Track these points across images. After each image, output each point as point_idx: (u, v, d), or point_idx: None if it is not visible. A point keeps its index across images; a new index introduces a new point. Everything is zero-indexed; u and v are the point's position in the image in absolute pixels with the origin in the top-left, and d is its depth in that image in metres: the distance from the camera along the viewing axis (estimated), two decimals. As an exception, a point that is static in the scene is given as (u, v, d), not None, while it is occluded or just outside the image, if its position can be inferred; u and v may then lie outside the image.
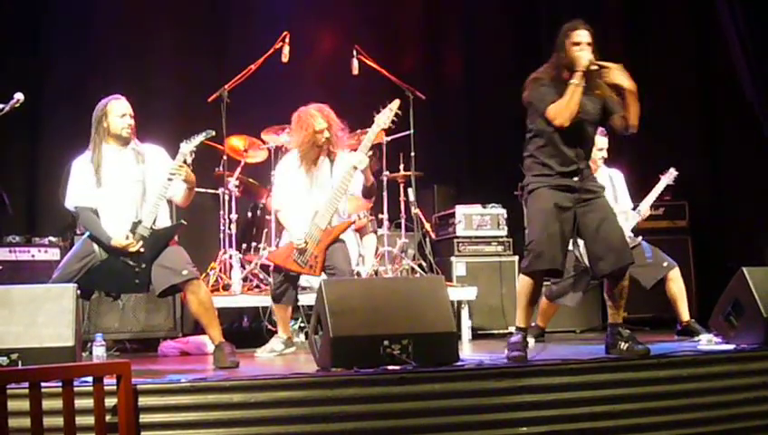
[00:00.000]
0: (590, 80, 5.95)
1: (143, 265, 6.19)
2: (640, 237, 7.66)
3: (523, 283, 6.05)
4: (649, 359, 5.77)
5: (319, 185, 7.16)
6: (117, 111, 6.33)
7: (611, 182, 7.61)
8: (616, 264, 5.93)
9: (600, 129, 7.00)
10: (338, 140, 7.25)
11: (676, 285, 7.48)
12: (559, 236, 5.91)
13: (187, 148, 6.31)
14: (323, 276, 7.22)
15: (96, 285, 6.35)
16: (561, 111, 5.89)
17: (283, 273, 7.10)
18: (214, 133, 6.57)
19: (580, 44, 5.98)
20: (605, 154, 7.67)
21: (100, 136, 6.33)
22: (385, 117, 7.16)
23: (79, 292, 5.80)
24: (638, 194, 7.94)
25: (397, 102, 7.20)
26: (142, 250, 6.17)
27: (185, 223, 6.40)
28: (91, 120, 6.39)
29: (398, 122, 8.64)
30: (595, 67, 5.90)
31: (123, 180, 6.30)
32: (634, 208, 7.83)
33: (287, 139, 8.31)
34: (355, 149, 7.18)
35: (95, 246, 6.22)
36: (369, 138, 7.10)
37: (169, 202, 6.50)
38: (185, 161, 6.29)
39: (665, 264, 7.42)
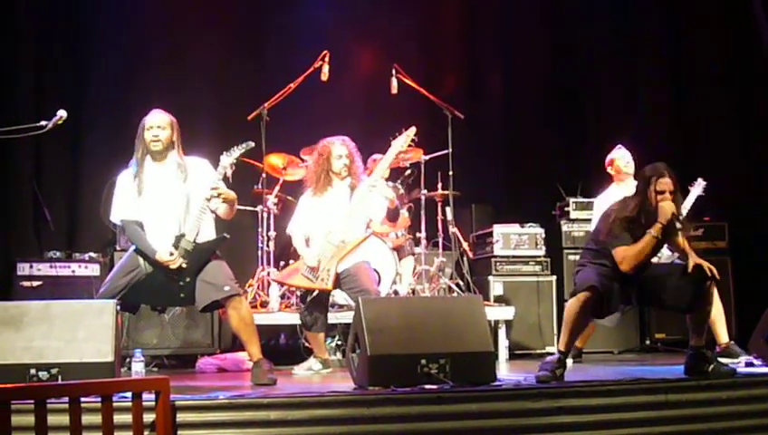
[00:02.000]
0: (668, 229, 5.98)
1: (187, 279, 6.23)
2: (676, 255, 7.57)
3: (569, 305, 6.05)
4: (688, 381, 5.74)
5: (333, 210, 7.21)
6: (147, 123, 6.37)
7: None
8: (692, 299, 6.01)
9: (619, 145, 7.17)
10: (356, 171, 7.32)
11: (715, 308, 7.39)
12: (605, 276, 5.98)
13: (228, 160, 6.35)
14: (342, 294, 7.29)
15: (142, 298, 6.42)
16: (630, 259, 5.93)
17: (309, 299, 7.13)
18: (253, 145, 6.62)
19: (665, 193, 5.95)
20: (631, 170, 7.80)
21: (141, 152, 6.38)
22: (402, 142, 7.23)
23: (119, 307, 5.87)
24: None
25: (413, 129, 7.25)
26: (184, 266, 6.22)
27: (228, 236, 6.41)
28: (130, 136, 6.46)
29: (437, 141, 8.68)
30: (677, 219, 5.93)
31: (166, 194, 6.33)
32: None
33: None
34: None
35: (140, 260, 6.27)
36: (385, 161, 7.22)
37: (214, 212, 6.51)
38: (225, 174, 6.34)
39: None
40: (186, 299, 6.34)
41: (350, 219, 7.07)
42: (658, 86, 10.34)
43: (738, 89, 10.08)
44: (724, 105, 10.07)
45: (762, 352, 6.50)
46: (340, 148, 7.26)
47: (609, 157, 8.06)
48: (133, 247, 6.36)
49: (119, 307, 5.92)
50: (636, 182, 7.40)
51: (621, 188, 7.60)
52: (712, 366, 5.88)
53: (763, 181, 9.73)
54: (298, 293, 7.96)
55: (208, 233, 6.40)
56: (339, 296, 7.54)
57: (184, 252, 6.21)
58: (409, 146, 7.39)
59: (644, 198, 5.99)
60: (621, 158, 7.94)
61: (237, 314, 6.23)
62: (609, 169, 8.05)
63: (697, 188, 7.95)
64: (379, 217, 7.32)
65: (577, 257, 8.61)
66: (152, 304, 6.61)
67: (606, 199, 7.51)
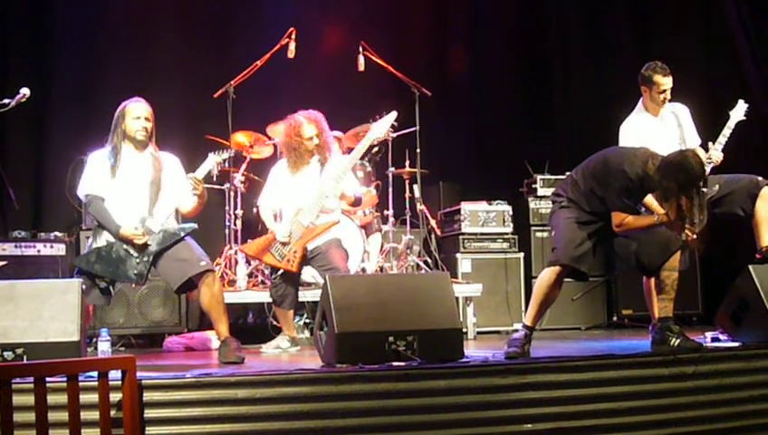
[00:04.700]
0: None
1: (144, 258, 6.23)
2: (717, 186, 6.67)
3: (542, 276, 6.09)
4: (653, 356, 5.78)
5: (305, 186, 7.21)
6: (133, 113, 6.40)
7: (677, 121, 7.08)
8: (665, 255, 6.02)
9: (663, 66, 6.87)
10: (327, 146, 7.33)
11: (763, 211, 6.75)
12: (582, 240, 5.98)
13: (216, 159, 6.50)
14: (312, 271, 7.30)
15: (96, 269, 6.34)
16: (626, 227, 5.91)
17: (280, 274, 7.12)
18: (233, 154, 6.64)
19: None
20: (668, 95, 6.95)
21: (118, 136, 6.40)
22: (381, 127, 7.23)
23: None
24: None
25: (394, 114, 7.26)
26: (149, 243, 6.22)
27: (196, 226, 6.41)
28: (95, 115, 6.42)
29: (405, 119, 8.66)
30: None
31: (138, 183, 6.37)
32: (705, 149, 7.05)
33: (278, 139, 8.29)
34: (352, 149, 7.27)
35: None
36: (362, 145, 7.21)
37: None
38: (210, 171, 6.46)
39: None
40: (137, 276, 6.29)
41: (321, 198, 7.05)
42: (627, 66, 10.37)
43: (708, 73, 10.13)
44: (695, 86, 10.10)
45: (727, 326, 6.52)
46: (308, 129, 7.24)
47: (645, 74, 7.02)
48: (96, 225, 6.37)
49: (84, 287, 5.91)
50: (672, 106, 7.06)
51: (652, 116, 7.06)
52: (678, 341, 5.92)
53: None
54: (266, 270, 7.95)
55: (173, 223, 6.45)
56: (306, 274, 7.53)
57: (149, 232, 6.21)
58: (393, 126, 7.40)
59: (676, 199, 5.64)
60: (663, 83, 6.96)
61: (210, 290, 6.22)
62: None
63: (738, 111, 7.25)
64: (350, 192, 7.30)
65: (545, 235, 8.67)
66: (102, 275, 6.41)
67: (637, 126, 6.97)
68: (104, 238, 6.30)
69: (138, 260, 6.24)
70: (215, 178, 6.39)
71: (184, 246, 6.29)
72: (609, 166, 5.95)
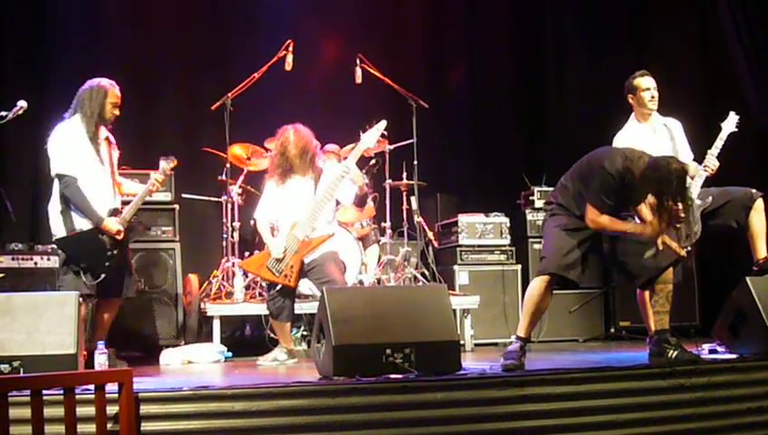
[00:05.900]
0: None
1: (115, 251, 6.32)
2: (710, 198, 6.64)
3: (532, 286, 6.06)
4: (650, 368, 5.77)
5: (300, 200, 7.18)
6: (113, 98, 6.51)
7: (669, 134, 7.05)
8: (656, 268, 5.98)
9: (641, 70, 6.94)
10: (312, 164, 7.27)
11: (758, 224, 6.68)
12: (570, 248, 5.95)
13: (168, 165, 6.68)
14: (309, 284, 7.28)
15: (77, 252, 6.41)
16: (600, 226, 5.88)
17: (274, 290, 7.11)
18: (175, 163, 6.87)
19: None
20: (654, 93, 6.95)
21: (95, 113, 6.45)
22: (371, 136, 7.19)
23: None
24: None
25: (384, 123, 7.22)
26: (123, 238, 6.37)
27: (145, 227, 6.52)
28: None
29: (402, 131, 8.68)
30: None
31: (105, 163, 6.46)
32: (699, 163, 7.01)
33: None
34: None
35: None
36: (353, 156, 7.14)
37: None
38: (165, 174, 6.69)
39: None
40: (108, 269, 6.38)
41: (316, 212, 7.03)
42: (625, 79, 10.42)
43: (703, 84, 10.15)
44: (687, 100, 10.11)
45: (725, 338, 6.52)
46: (293, 148, 7.21)
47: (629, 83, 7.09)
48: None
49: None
50: (664, 120, 7.07)
51: (645, 127, 7.04)
52: (676, 353, 5.90)
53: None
54: (263, 283, 7.94)
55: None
56: (303, 286, 7.52)
57: (124, 223, 6.37)
58: (378, 140, 7.37)
59: (659, 205, 5.68)
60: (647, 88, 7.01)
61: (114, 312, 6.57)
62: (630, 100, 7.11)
63: (730, 122, 7.18)
64: (349, 200, 7.28)
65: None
66: (80, 260, 6.48)
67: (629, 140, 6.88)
68: (79, 223, 6.36)
69: (110, 253, 6.34)
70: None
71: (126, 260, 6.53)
72: (591, 164, 5.98)
